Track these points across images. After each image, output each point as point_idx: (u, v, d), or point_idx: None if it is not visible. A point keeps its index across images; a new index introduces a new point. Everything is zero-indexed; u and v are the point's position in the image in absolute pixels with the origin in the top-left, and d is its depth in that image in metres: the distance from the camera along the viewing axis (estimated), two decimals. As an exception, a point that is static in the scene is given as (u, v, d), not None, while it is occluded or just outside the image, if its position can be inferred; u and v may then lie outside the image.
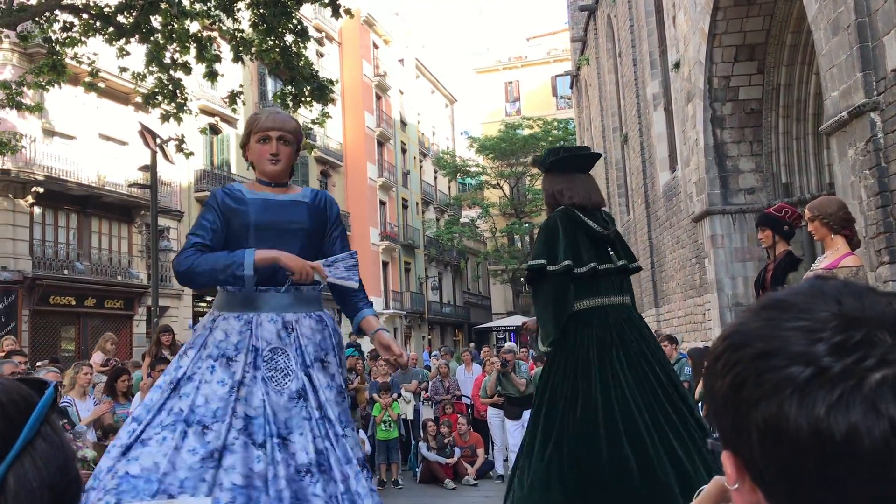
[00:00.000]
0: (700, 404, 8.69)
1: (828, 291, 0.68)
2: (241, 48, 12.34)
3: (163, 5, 11.63)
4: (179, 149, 13.36)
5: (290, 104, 12.76)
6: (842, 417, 0.60)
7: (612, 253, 4.02)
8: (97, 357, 9.43)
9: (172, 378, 2.76)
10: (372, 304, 3.26)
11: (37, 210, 20.71)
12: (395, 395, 11.07)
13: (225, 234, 2.91)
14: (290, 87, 12.71)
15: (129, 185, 21.96)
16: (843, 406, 0.60)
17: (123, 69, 12.73)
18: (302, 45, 12.47)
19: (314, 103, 12.82)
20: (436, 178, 50.29)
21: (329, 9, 12.13)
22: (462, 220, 48.15)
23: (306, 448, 2.65)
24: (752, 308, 0.72)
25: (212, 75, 12.30)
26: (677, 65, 13.72)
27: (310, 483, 2.59)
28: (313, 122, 13.52)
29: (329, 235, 3.12)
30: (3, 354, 7.55)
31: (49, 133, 20.81)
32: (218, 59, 12.38)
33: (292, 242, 2.91)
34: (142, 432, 2.62)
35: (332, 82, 13.10)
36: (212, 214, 2.93)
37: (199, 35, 12.40)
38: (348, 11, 12.34)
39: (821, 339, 0.63)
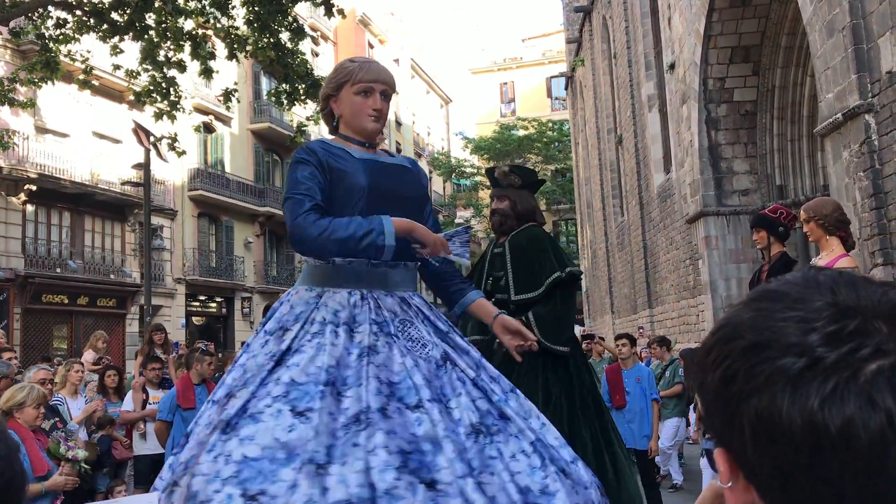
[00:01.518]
0: (692, 406, 8.71)
1: (822, 281, 0.66)
2: (235, 46, 12.30)
3: (157, 3, 11.58)
4: (172, 147, 13.31)
5: (285, 102, 12.73)
6: (836, 410, 0.58)
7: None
8: (88, 355, 9.38)
9: (274, 352, 2.36)
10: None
11: (29, 208, 20.63)
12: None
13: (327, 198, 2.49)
14: (284, 85, 12.68)
15: (123, 184, 21.86)
16: (837, 398, 0.58)
17: (117, 67, 12.67)
18: (297, 42, 12.44)
19: (308, 101, 12.79)
20: (430, 178, 50.27)
21: (322, 8, 12.10)
22: (457, 220, 48.16)
23: (470, 409, 2.31)
24: (743, 300, 0.70)
25: (207, 73, 12.25)
26: (672, 66, 13.73)
27: (484, 444, 2.25)
28: (308, 119, 13.50)
29: (424, 209, 2.75)
30: (-7, 351, 7.50)
31: (42, 130, 20.72)
32: (213, 56, 12.33)
33: (406, 213, 2.52)
34: (244, 408, 2.23)
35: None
36: (312, 171, 2.51)
37: (194, 33, 12.35)
38: (341, 11, 12.31)
39: (814, 328, 0.61)
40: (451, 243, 2.58)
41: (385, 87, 2.62)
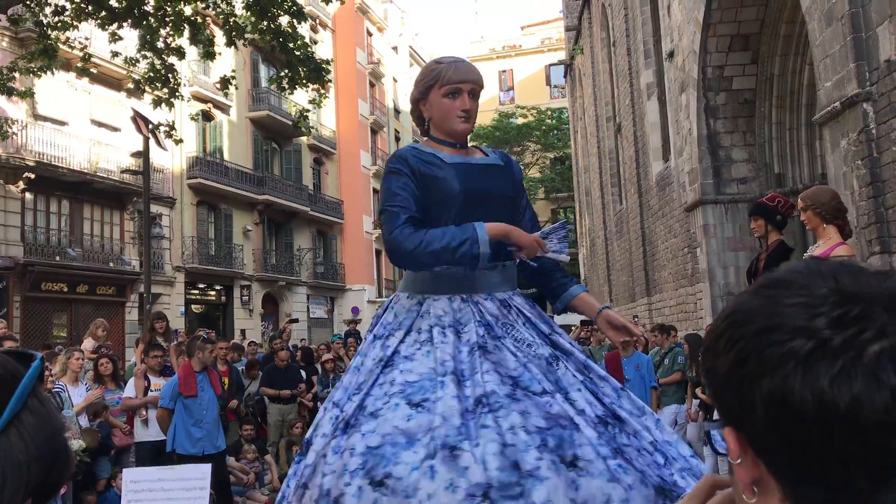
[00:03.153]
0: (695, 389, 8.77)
1: (824, 270, 0.70)
2: (234, 32, 12.28)
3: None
4: (169, 135, 13.30)
5: (286, 87, 12.72)
6: (845, 388, 0.62)
7: None
8: (88, 343, 9.41)
9: (381, 357, 2.41)
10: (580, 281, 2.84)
11: (28, 196, 20.60)
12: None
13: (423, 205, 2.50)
14: (285, 71, 12.66)
15: (122, 172, 21.83)
16: (845, 377, 0.62)
17: (115, 54, 12.64)
18: (298, 25, 12.40)
19: (310, 85, 12.78)
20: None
21: (321, -6, 12.09)
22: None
23: (590, 402, 2.30)
24: (750, 288, 0.74)
25: (209, 55, 12.24)
26: (671, 54, 13.72)
27: (614, 433, 2.24)
28: (311, 103, 13.49)
29: (519, 204, 2.73)
30: (-5, 339, 7.53)
31: (40, 118, 20.68)
32: (211, 42, 12.31)
33: (501, 213, 2.54)
34: (362, 406, 2.27)
35: (328, 62, 13.03)
36: (406, 181, 2.50)
37: (193, 18, 12.32)
38: (340, -2, 12.30)
39: (820, 313, 0.65)
40: (549, 240, 2.57)
41: (473, 86, 2.61)
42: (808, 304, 0.66)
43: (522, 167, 44.98)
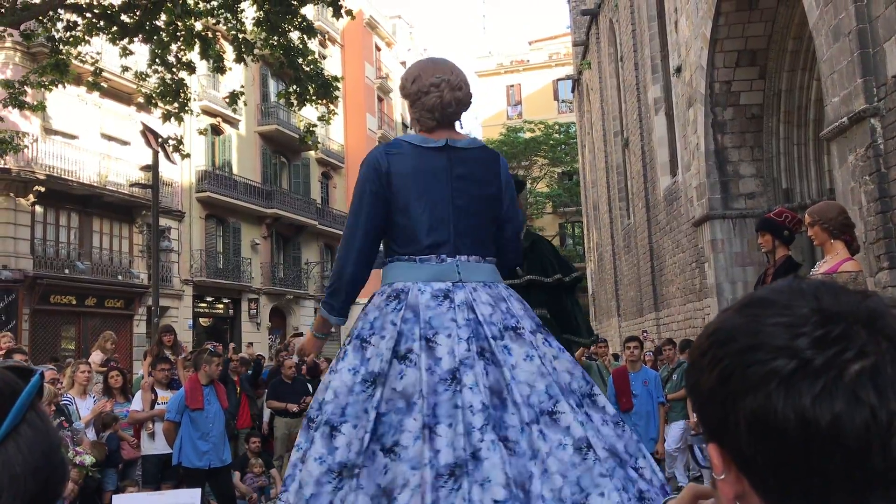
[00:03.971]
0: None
1: (806, 289, 0.72)
2: (243, 48, 12.37)
3: (167, 4, 11.65)
4: (177, 149, 13.38)
5: (295, 103, 12.79)
6: (826, 407, 0.63)
7: None
8: (96, 356, 9.44)
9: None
10: None
11: (38, 209, 20.72)
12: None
13: None
14: (294, 87, 12.73)
15: (131, 185, 21.96)
16: (826, 396, 0.63)
17: (126, 68, 12.74)
18: (307, 40, 12.48)
19: (318, 102, 12.84)
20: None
21: (330, 9, 12.15)
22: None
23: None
24: (733, 307, 0.76)
25: (219, 70, 12.33)
26: (679, 69, 13.74)
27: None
28: (320, 119, 13.55)
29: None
30: (2, 352, 7.56)
31: (51, 132, 20.83)
32: (221, 58, 12.40)
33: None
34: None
35: (336, 79, 13.11)
36: None
37: (203, 33, 12.42)
38: (349, 12, 12.36)
39: (802, 333, 0.67)
40: None
41: None
42: (789, 323, 0.68)
43: (530, 182, 44.93)
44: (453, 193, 2.65)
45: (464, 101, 2.75)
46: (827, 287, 0.72)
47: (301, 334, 20.84)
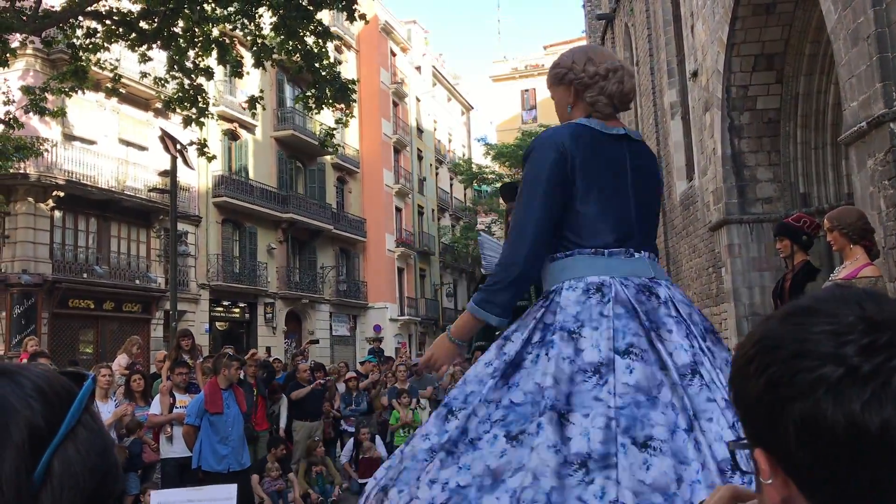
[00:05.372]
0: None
1: (849, 297, 0.74)
2: (262, 54, 12.47)
3: (185, 11, 11.76)
4: (202, 152, 13.48)
5: (313, 106, 12.88)
6: (875, 412, 0.65)
7: None
8: (122, 359, 9.56)
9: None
10: None
11: (57, 214, 20.93)
12: (414, 401, 11.11)
13: None
14: (311, 91, 12.82)
15: (149, 190, 22.15)
16: (875, 402, 0.66)
17: (144, 75, 12.86)
18: (323, 46, 12.57)
19: (336, 105, 12.93)
20: (451, 184, 50.35)
21: (345, 14, 12.24)
22: (478, 226, 48.19)
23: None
24: (776, 315, 0.77)
25: (237, 75, 12.44)
26: (695, 74, 13.71)
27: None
28: (338, 122, 13.63)
29: None
30: (28, 356, 7.65)
31: (70, 138, 21.04)
32: (240, 64, 12.51)
33: None
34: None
35: (353, 82, 13.18)
36: None
37: (221, 39, 12.53)
38: (363, 16, 12.44)
39: (850, 341, 0.69)
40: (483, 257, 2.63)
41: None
42: (836, 331, 0.70)
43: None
44: (634, 186, 2.49)
45: (634, 92, 2.62)
46: (870, 295, 0.74)
47: (317, 341, 20.76)
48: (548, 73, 2.72)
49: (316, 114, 14.61)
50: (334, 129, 13.83)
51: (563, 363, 2.19)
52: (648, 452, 2.05)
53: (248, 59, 12.91)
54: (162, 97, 13.83)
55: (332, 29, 13.29)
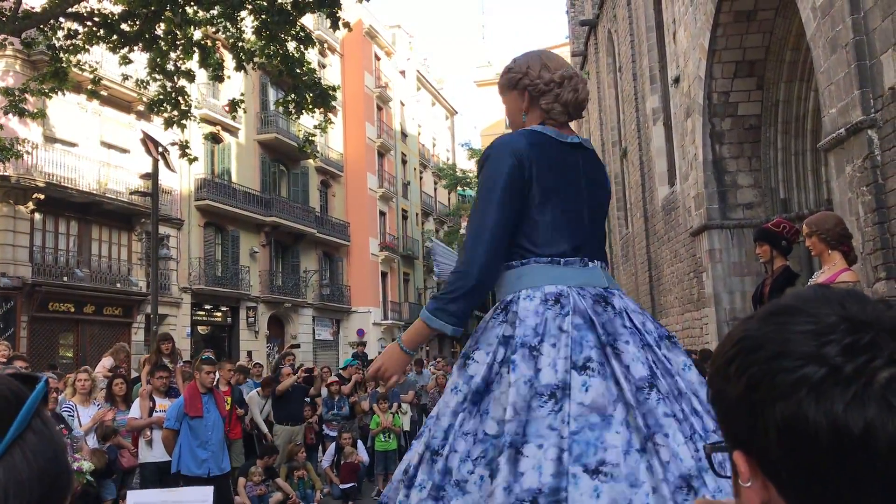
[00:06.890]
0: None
1: (831, 297, 0.72)
2: (243, 57, 12.43)
3: (166, 14, 11.71)
4: (184, 154, 13.40)
5: (293, 111, 12.85)
6: (858, 414, 0.64)
7: None
8: (107, 361, 9.49)
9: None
10: None
11: (37, 216, 20.73)
12: (395, 405, 11.08)
13: None
14: (292, 95, 12.79)
15: (130, 193, 21.99)
16: (858, 403, 0.64)
17: (126, 77, 12.78)
18: (304, 51, 12.56)
19: (316, 110, 12.91)
20: (436, 189, 50.36)
21: (329, 20, 12.24)
22: (462, 231, 48.21)
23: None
24: (757, 315, 0.76)
25: (218, 79, 12.40)
26: (677, 80, 13.80)
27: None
28: (317, 128, 13.61)
29: None
30: (3, 360, 7.56)
31: (50, 139, 20.86)
32: (221, 66, 12.46)
33: None
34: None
35: (334, 89, 13.18)
36: None
37: (203, 42, 12.48)
38: (347, 24, 12.43)
39: (831, 341, 0.67)
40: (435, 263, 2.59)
41: None
42: (817, 331, 0.68)
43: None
44: (588, 195, 2.48)
45: (587, 100, 2.60)
46: (852, 295, 0.72)
47: (298, 345, 20.65)
48: (500, 76, 2.67)
49: (296, 119, 14.59)
50: (314, 134, 13.80)
51: (524, 388, 2.16)
52: (599, 479, 2.02)
53: (229, 62, 12.85)
54: (144, 99, 13.72)
55: (317, 33, 13.30)
